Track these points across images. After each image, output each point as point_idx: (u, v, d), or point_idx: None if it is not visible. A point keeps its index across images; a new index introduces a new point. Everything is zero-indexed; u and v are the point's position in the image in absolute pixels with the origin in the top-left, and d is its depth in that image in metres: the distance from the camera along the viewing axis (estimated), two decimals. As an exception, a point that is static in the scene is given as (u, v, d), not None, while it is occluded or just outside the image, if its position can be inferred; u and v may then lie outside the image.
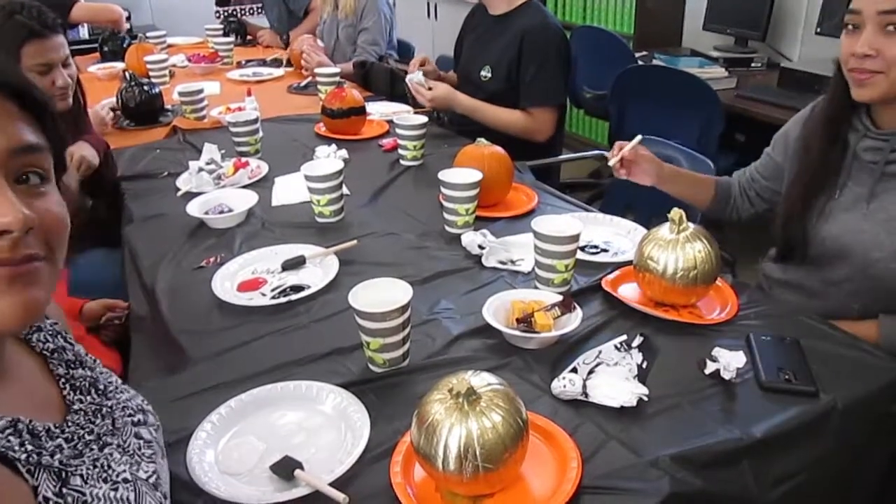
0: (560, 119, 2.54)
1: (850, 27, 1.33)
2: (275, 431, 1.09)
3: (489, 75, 2.52)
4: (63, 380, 0.81)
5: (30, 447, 0.68)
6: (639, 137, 1.64)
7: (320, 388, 1.15)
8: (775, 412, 1.09)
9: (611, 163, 1.64)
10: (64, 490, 0.69)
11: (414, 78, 2.45)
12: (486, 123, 2.47)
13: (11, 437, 0.67)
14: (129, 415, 0.86)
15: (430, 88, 2.42)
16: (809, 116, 1.54)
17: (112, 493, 0.74)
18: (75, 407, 0.79)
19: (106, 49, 3.54)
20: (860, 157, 1.42)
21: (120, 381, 0.90)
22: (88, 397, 0.82)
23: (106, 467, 0.76)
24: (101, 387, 0.85)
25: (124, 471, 0.78)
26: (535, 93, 2.44)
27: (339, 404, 1.12)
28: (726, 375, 1.14)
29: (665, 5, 4.07)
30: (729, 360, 1.15)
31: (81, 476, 0.72)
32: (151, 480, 0.82)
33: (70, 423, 0.76)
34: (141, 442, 0.85)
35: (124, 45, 3.49)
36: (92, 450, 0.76)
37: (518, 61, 2.44)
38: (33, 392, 0.78)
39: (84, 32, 3.89)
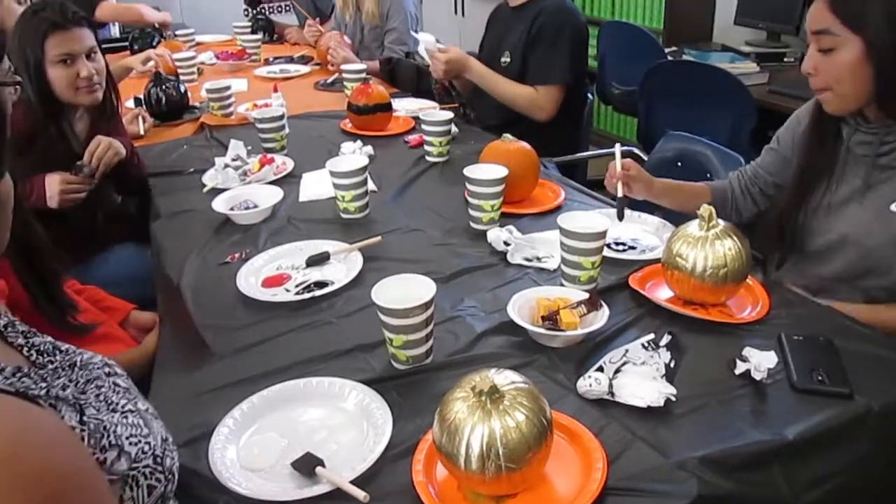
0: (569, 103, 2.51)
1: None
2: (297, 428, 1.09)
3: (509, 60, 2.52)
4: (25, 348, 0.82)
5: (43, 384, 0.71)
6: (618, 147, 1.64)
7: (343, 384, 1.15)
8: (808, 414, 1.06)
9: (611, 189, 1.62)
10: (84, 418, 0.72)
11: (428, 40, 2.45)
12: (494, 93, 2.49)
13: (25, 378, 0.70)
14: (99, 367, 0.87)
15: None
16: (811, 111, 1.55)
17: (123, 420, 0.78)
18: (49, 365, 0.81)
19: (136, 47, 3.58)
20: (853, 151, 1.46)
21: (75, 347, 0.91)
22: (56, 356, 0.83)
23: (108, 401, 0.80)
24: (63, 348, 0.86)
25: (126, 403, 0.81)
26: (541, 70, 2.44)
27: (362, 401, 1.11)
28: (757, 376, 1.12)
29: (695, 0, 4.01)
30: (760, 360, 1.12)
31: (93, 406, 0.76)
32: (150, 411, 0.85)
33: (52, 370, 0.79)
34: (121, 388, 0.86)
35: (154, 43, 3.52)
36: (90, 387, 0.80)
37: (532, 40, 2.44)
38: (2, 361, 0.79)
39: (115, 31, 3.94)
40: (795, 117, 1.61)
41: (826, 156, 1.49)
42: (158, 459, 0.80)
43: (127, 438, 0.76)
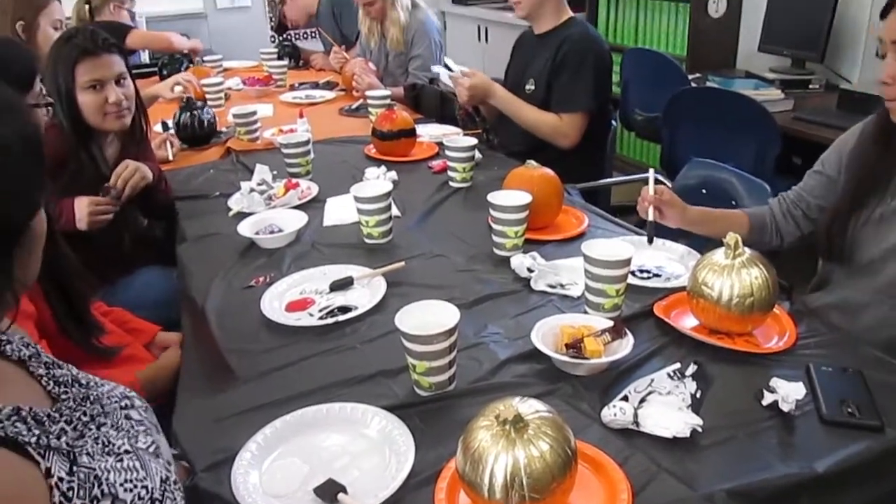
0: (593, 130, 2.51)
1: (880, 55, 1.38)
2: (319, 453, 1.09)
3: (533, 87, 2.53)
4: (45, 378, 0.83)
5: (37, 431, 0.70)
6: (651, 172, 1.61)
7: (365, 410, 1.15)
8: (838, 447, 1.04)
9: (642, 213, 1.61)
10: (74, 468, 0.72)
11: (452, 66, 2.46)
12: (518, 119, 2.50)
13: (18, 423, 0.70)
14: (115, 401, 0.88)
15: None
16: (864, 129, 1.54)
17: (118, 465, 0.77)
18: (63, 397, 0.81)
19: (165, 73, 3.64)
20: None
21: (99, 378, 0.92)
22: (73, 389, 0.84)
23: (106, 443, 0.79)
24: (83, 381, 0.87)
25: (123, 444, 0.81)
26: (565, 98, 2.45)
27: (384, 428, 1.11)
28: (785, 407, 1.10)
29: (719, 27, 4.01)
30: (788, 392, 1.11)
31: (88, 453, 0.75)
32: (151, 450, 0.84)
33: (64, 409, 0.79)
34: (132, 422, 0.87)
35: (182, 69, 3.58)
36: (90, 429, 0.79)
37: (556, 68, 2.45)
38: (21, 392, 0.79)
39: (144, 57, 4.02)
40: (842, 140, 1.59)
41: (885, 167, 1.46)
42: (157, 502, 0.79)
43: (121, 485, 0.75)
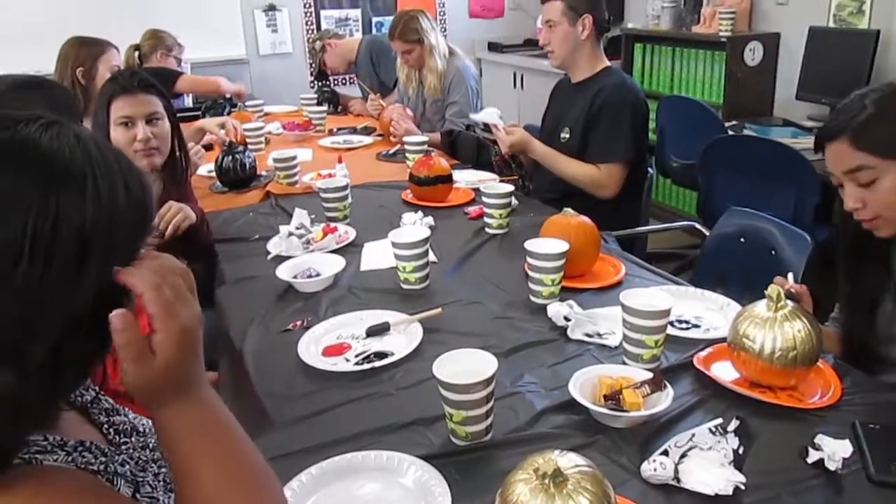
0: (630, 177, 2.51)
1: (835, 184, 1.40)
2: (354, 502, 1.08)
3: (568, 136, 2.55)
4: (105, 425, 0.84)
5: (103, 459, 0.73)
6: (790, 276, 1.54)
7: (401, 459, 1.14)
8: (888, 509, 1.01)
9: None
10: (138, 496, 0.74)
11: (494, 114, 2.49)
12: (556, 171, 2.51)
13: (86, 453, 0.72)
14: None
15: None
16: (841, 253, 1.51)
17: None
18: (124, 445, 0.83)
19: (208, 116, 3.74)
20: None
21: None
22: (132, 438, 0.86)
23: (168, 481, 0.81)
24: (141, 429, 0.89)
25: None
26: (604, 148, 2.46)
27: (420, 477, 1.10)
28: (831, 466, 1.07)
29: (755, 75, 4.02)
30: (834, 449, 1.08)
31: (149, 484, 0.78)
32: None
33: (125, 450, 0.82)
34: None
35: (224, 113, 3.67)
36: (151, 466, 0.82)
37: (592, 118, 2.47)
38: (85, 435, 0.81)
39: (188, 101, 4.13)
40: None
41: (884, 271, 1.44)
42: None
43: None
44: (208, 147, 3.03)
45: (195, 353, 0.74)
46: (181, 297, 0.72)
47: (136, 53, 3.80)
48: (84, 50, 2.80)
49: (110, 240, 0.66)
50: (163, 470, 0.83)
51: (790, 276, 1.46)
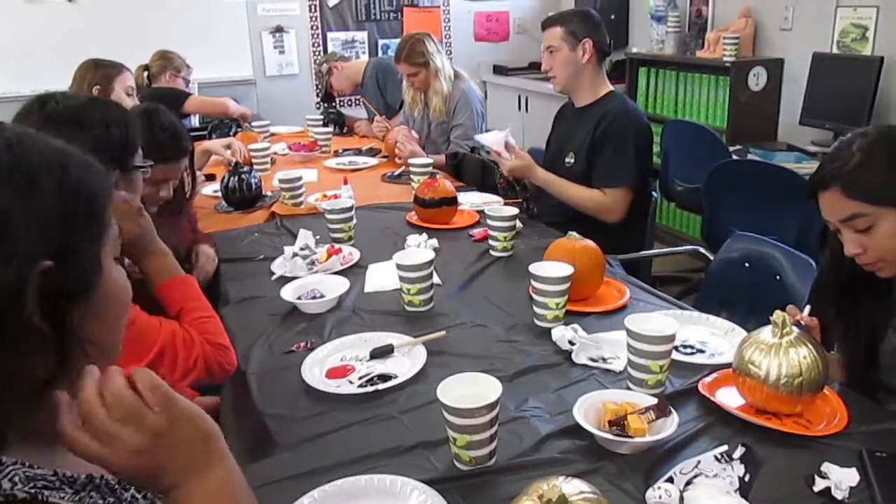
0: (634, 202, 2.52)
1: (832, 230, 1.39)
2: (357, 527, 1.07)
3: (573, 161, 2.56)
4: None
5: (111, 499, 0.72)
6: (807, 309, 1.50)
7: (404, 483, 1.13)
8: (895, 540, 1.00)
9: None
10: None
11: (502, 135, 2.50)
12: (561, 197, 2.52)
13: (94, 493, 0.71)
14: None
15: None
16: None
17: None
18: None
19: (214, 136, 3.76)
20: None
21: None
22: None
23: None
24: None
25: None
26: (609, 173, 2.47)
27: (423, 502, 1.09)
28: (838, 495, 1.06)
29: (759, 99, 4.04)
30: (840, 478, 1.07)
31: None
32: None
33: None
34: None
35: (231, 133, 3.70)
36: (160, 498, 0.79)
37: (597, 143, 2.47)
38: (93, 470, 0.80)
39: (195, 121, 4.17)
40: None
41: (881, 301, 1.43)
42: None
43: None
44: (210, 177, 3.06)
45: (172, 458, 0.73)
46: (129, 418, 0.70)
47: (146, 73, 3.83)
48: (100, 72, 2.86)
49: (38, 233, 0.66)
50: None
51: (807, 309, 1.45)
